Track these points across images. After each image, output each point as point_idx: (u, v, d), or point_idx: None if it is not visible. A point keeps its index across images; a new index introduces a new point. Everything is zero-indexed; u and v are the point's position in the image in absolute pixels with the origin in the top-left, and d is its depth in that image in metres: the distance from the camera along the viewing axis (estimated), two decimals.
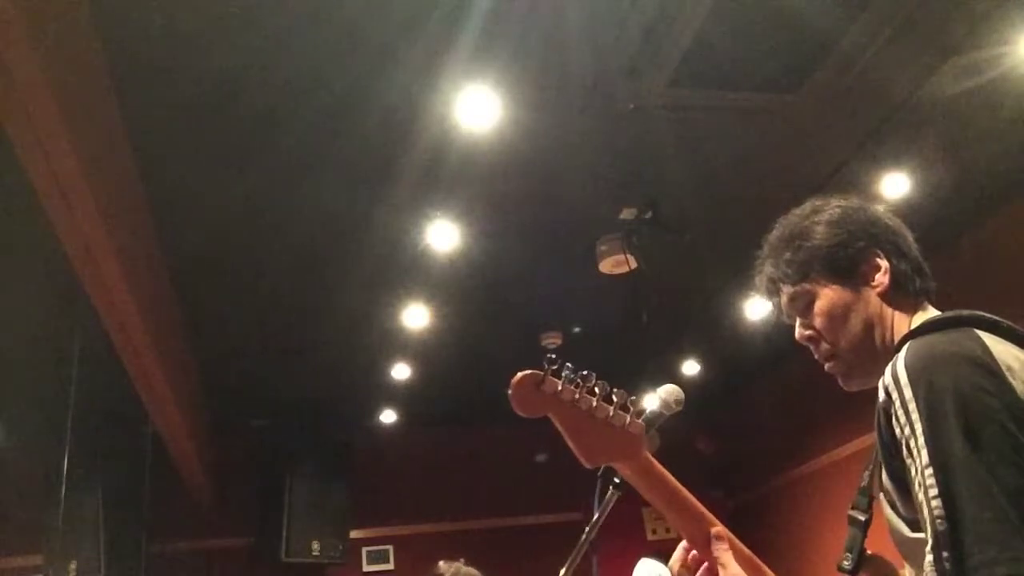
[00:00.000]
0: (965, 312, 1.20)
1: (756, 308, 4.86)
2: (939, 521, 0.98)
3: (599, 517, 1.49)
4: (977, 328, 1.16)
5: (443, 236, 4.05)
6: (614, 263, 4.31)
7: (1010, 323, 1.18)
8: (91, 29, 2.72)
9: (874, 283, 1.32)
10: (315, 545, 5.92)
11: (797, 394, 5.80)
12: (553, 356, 1.15)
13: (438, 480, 6.73)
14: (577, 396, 1.15)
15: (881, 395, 1.13)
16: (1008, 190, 4.35)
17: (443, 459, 6.78)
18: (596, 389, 1.16)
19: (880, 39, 3.08)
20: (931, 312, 1.32)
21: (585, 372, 1.16)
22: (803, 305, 1.36)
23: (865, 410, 1.33)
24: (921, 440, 1.03)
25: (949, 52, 3.20)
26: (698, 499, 1.26)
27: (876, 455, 1.20)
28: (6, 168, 2.71)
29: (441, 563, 3.26)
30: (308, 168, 3.58)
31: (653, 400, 1.53)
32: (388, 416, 6.53)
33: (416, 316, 4.85)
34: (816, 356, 1.39)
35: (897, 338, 1.27)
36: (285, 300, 4.68)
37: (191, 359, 5.16)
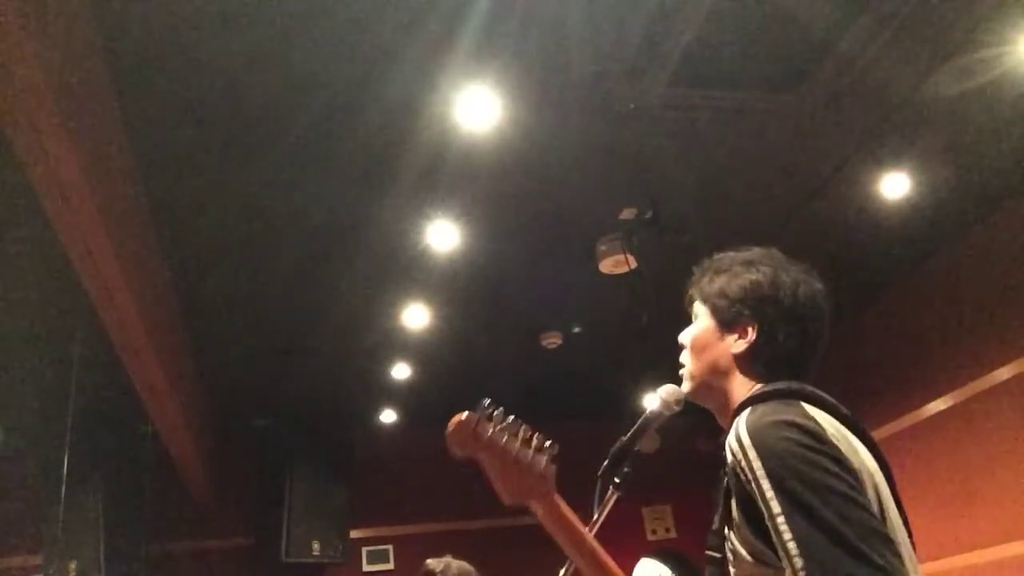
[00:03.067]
0: (795, 385, 1.38)
1: None
2: (796, 558, 1.16)
3: (599, 517, 1.49)
4: (802, 401, 1.34)
5: (443, 236, 4.05)
6: (614, 263, 4.31)
7: (830, 398, 1.36)
8: (91, 29, 2.72)
9: (734, 344, 1.49)
10: (315, 545, 5.92)
11: None
12: (488, 401, 1.28)
13: (438, 480, 6.71)
14: (505, 439, 1.27)
15: (729, 456, 1.30)
16: (1008, 190, 4.35)
17: (443, 459, 6.71)
18: (519, 433, 1.29)
19: (880, 39, 3.08)
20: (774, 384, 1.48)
21: (512, 417, 1.29)
22: (692, 319, 1.58)
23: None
24: (769, 495, 1.21)
25: (949, 52, 3.20)
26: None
27: (721, 501, 1.38)
28: (6, 168, 2.71)
29: (429, 561, 3.25)
30: (308, 168, 3.58)
31: (653, 400, 1.53)
32: (388, 416, 6.53)
33: (416, 316, 4.85)
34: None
35: (734, 394, 1.46)
36: (285, 300, 4.68)
37: (191, 359, 5.16)
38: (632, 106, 3.30)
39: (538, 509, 1.31)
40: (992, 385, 4.62)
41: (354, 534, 6.33)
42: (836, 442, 1.25)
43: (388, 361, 5.54)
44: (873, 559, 1.12)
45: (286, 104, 3.20)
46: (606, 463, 1.52)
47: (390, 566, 6.59)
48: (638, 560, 7.12)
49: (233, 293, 4.57)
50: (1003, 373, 4.59)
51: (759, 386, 1.43)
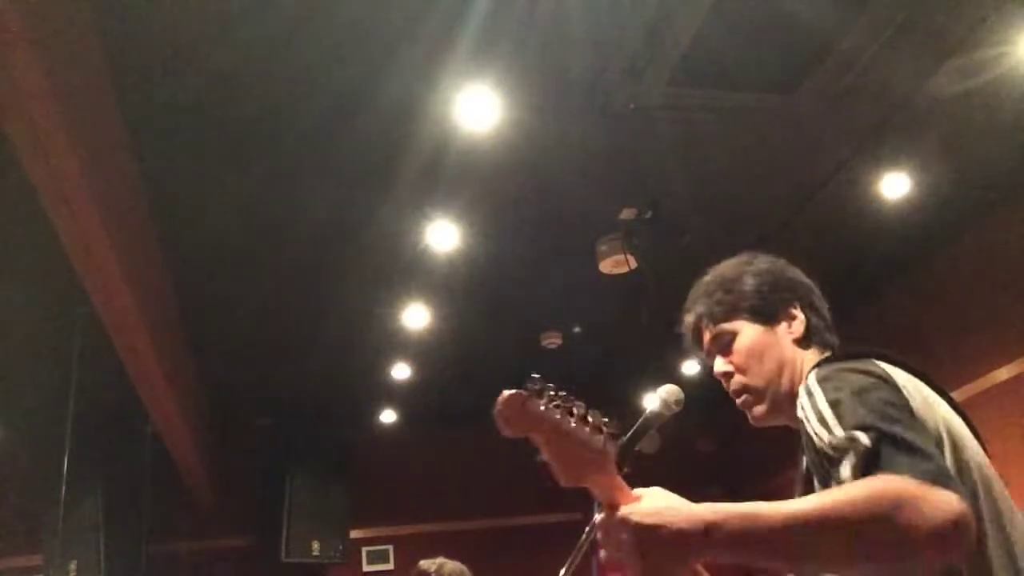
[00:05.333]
0: (864, 347, 1.34)
1: None
2: (859, 444, 1.09)
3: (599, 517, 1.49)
4: (876, 359, 1.30)
5: (443, 236, 4.05)
6: (614, 263, 4.31)
7: (902, 358, 1.32)
8: (91, 29, 2.72)
9: (790, 330, 1.48)
10: (315, 545, 5.92)
11: None
12: (536, 376, 1.15)
13: (438, 480, 6.73)
14: (558, 416, 1.15)
15: (799, 413, 1.26)
16: (1008, 190, 4.35)
17: (443, 459, 6.77)
18: (574, 410, 1.16)
19: (880, 39, 3.08)
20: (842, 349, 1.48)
21: (564, 392, 1.16)
22: (725, 343, 1.51)
23: None
24: (832, 422, 1.16)
25: (949, 52, 3.20)
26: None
27: (801, 483, 1.37)
28: (6, 168, 2.71)
29: (422, 562, 3.25)
30: (308, 168, 3.58)
31: (653, 400, 1.53)
32: (388, 416, 6.53)
33: (416, 316, 4.84)
34: (729, 391, 1.53)
35: (803, 379, 1.39)
36: (285, 300, 4.68)
37: (191, 359, 5.16)
38: (632, 106, 3.30)
39: (596, 490, 1.19)
40: (992, 385, 4.62)
41: (354, 534, 6.33)
42: (907, 392, 1.21)
43: (388, 361, 5.53)
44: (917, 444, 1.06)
45: (286, 104, 3.20)
46: None
47: (390, 566, 6.59)
48: None
49: (233, 293, 4.57)
50: (1003, 373, 4.59)
51: (825, 355, 1.43)
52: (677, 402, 1.51)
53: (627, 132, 3.51)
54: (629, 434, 1.53)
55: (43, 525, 5.25)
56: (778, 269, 1.54)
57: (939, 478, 1.02)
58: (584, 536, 1.50)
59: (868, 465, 1.07)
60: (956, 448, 1.21)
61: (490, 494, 6.76)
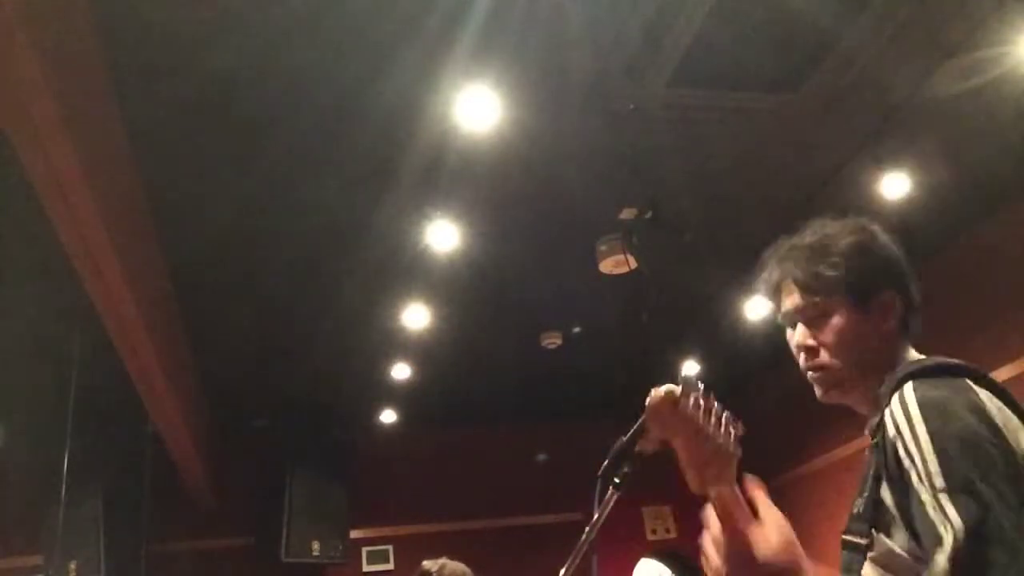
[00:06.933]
0: (955, 361, 1.28)
1: (756, 308, 4.86)
2: (959, 531, 1.06)
3: (599, 517, 1.49)
4: (968, 378, 1.24)
5: (443, 236, 4.05)
6: (614, 263, 4.31)
7: (988, 375, 1.27)
8: (91, 29, 2.72)
9: (885, 320, 1.40)
10: (315, 545, 5.92)
11: (797, 394, 5.77)
12: (690, 376, 1.11)
13: (438, 480, 6.73)
14: (702, 418, 1.10)
15: (890, 429, 1.21)
16: (1008, 190, 4.35)
17: (443, 459, 6.77)
18: (713, 410, 1.12)
19: (880, 39, 3.08)
20: (914, 353, 1.41)
21: (710, 394, 1.12)
22: (815, 316, 1.43)
23: None
24: (934, 469, 1.12)
25: (949, 52, 3.20)
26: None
27: (868, 483, 1.28)
28: (6, 168, 2.71)
29: (425, 562, 3.25)
30: (308, 169, 3.58)
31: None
32: (388, 416, 6.53)
33: (416, 316, 4.84)
34: (803, 364, 1.46)
35: (889, 372, 1.34)
36: (285, 300, 4.68)
37: (191, 359, 5.16)
38: (632, 106, 3.30)
39: (714, 496, 1.14)
40: None
41: (354, 534, 6.33)
42: (1006, 432, 1.16)
43: (388, 361, 5.53)
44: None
45: (286, 104, 3.20)
46: (606, 463, 1.51)
47: (390, 566, 6.59)
48: (638, 560, 7.12)
49: (233, 292, 4.57)
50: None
51: (919, 357, 1.37)
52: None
53: (627, 132, 3.51)
54: (629, 434, 1.52)
55: (43, 525, 5.25)
56: (887, 251, 1.44)
57: None
58: (584, 536, 1.49)
59: (966, 562, 1.05)
60: None
61: (490, 494, 6.76)
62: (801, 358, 1.46)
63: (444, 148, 3.41)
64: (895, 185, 3.98)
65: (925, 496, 1.12)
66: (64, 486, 4.42)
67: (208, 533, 6.10)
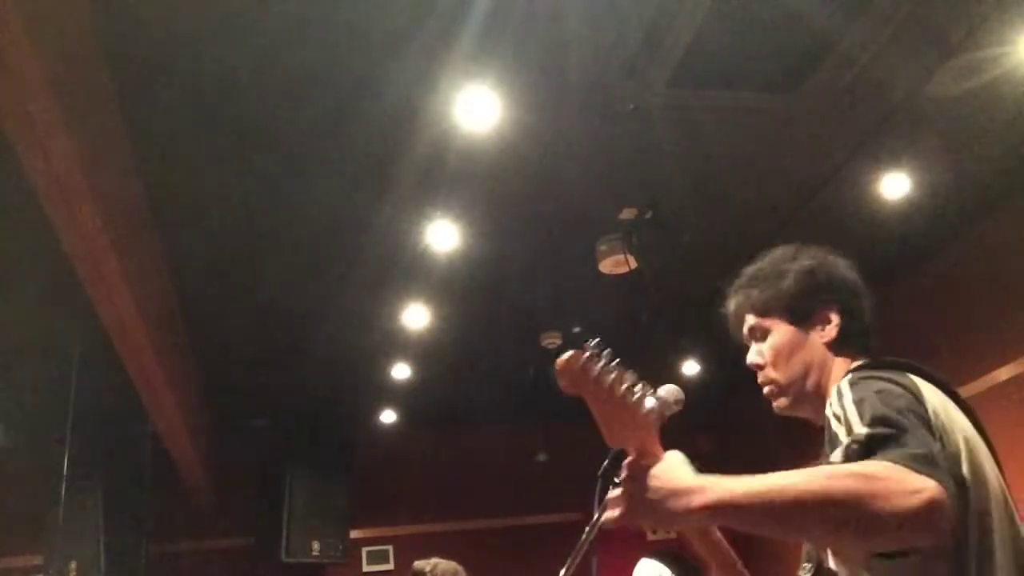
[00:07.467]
0: (900, 360, 1.36)
1: None
2: (859, 433, 1.14)
3: (599, 517, 1.49)
4: (909, 372, 1.32)
5: (443, 236, 4.05)
6: (614, 263, 4.31)
7: (936, 373, 1.34)
8: (91, 29, 2.72)
9: (823, 333, 1.50)
10: (315, 545, 5.92)
11: None
12: (596, 341, 1.24)
13: (438, 480, 6.73)
14: (611, 379, 1.23)
15: (828, 411, 1.28)
16: (1008, 190, 4.35)
17: (443, 459, 6.78)
18: (625, 377, 1.24)
19: (880, 39, 3.08)
20: (876, 359, 1.47)
21: (617, 359, 1.24)
22: (759, 336, 1.56)
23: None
24: (854, 418, 1.20)
25: (949, 52, 3.20)
26: None
27: None
28: (6, 168, 2.71)
29: (417, 562, 3.26)
30: (308, 168, 3.58)
31: (652, 400, 1.53)
32: (388, 416, 6.53)
33: (416, 316, 4.84)
34: (759, 380, 1.58)
35: (832, 381, 1.43)
36: (285, 300, 4.68)
37: (191, 359, 5.16)
38: (632, 106, 3.30)
39: (634, 446, 1.25)
40: (992, 385, 4.62)
41: (354, 534, 6.33)
42: (931, 409, 1.23)
43: (388, 361, 5.53)
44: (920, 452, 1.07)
45: (286, 104, 3.20)
46: (606, 463, 1.51)
47: (390, 566, 6.59)
48: (638, 560, 7.11)
49: (233, 293, 4.57)
50: (1003, 373, 4.59)
51: (860, 361, 1.44)
52: (677, 402, 1.52)
53: (627, 132, 3.51)
54: None
55: (43, 525, 5.25)
56: (824, 269, 1.53)
57: (923, 465, 1.05)
58: (584, 536, 1.49)
59: (865, 452, 1.11)
60: (973, 469, 1.23)
61: (490, 494, 6.76)
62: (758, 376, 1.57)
63: (444, 148, 3.41)
64: (895, 185, 3.98)
65: (845, 439, 1.18)
66: (64, 486, 4.43)
67: (208, 533, 6.10)
